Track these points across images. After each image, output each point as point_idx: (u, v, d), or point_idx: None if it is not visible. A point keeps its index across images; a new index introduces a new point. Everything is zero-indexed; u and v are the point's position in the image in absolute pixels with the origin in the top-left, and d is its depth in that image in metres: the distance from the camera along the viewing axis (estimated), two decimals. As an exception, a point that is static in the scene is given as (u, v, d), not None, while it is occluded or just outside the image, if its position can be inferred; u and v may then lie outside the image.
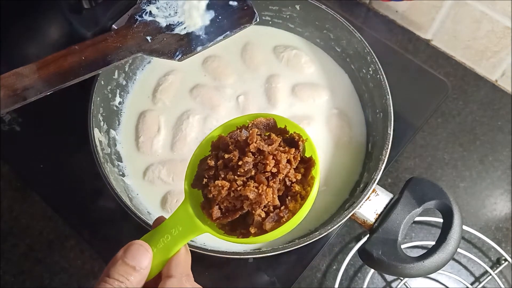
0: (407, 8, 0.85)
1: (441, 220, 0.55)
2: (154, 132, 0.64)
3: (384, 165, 0.56)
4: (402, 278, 0.66)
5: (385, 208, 0.56)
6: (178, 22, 0.46)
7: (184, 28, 0.46)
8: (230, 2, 0.48)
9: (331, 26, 0.68)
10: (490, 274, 0.66)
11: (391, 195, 0.57)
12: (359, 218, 0.56)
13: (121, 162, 0.62)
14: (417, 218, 0.57)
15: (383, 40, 0.81)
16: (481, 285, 0.66)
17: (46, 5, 0.81)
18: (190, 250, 0.51)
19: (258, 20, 0.48)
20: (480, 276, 0.68)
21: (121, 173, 0.61)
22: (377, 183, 0.55)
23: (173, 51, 0.45)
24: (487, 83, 0.83)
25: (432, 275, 0.67)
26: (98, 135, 0.58)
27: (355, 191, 0.61)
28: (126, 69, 0.66)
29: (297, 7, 0.69)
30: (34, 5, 0.81)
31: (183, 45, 0.45)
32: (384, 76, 0.61)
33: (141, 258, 0.32)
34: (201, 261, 0.63)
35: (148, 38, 0.45)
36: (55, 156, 0.69)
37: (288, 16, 0.71)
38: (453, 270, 0.67)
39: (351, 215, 0.55)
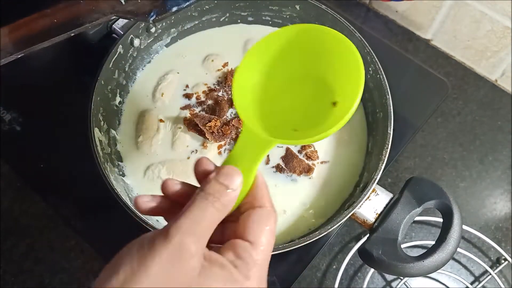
0: (407, 8, 0.85)
1: (441, 219, 0.55)
2: (154, 132, 0.64)
3: (384, 165, 0.56)
4: (402, 278, 0.66)
5: (385, 207, 0.56)
6: None
7: None
8: None
9: (331, 26, 0.67)
10: (490, 274, 0.66)
11: (391, 195, 0.57)
12: (359, 217, 0.56)
13: (121, 161, 0.62)
14: (417, 218, 0.57)
15: (383, 40, 0.81)
16: (481, 285, 0.66)
17: (46, 5, 0.81)
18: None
19: None
20: (480, 275, 0.68)
21: (121, 172, 0.61)
22: (377, 183, 0.55)
23: (147, 12, 0.45)
24: (487, 83, 0.83)
25: (432, 275, 0.67)
26: (98, 135, 0.58)
27: (355, 191, 0.61)
28: (126, 69, 0.66)
29: (297, 7, 0.69)
30: (34, 5, 0.81)
31: (157, 6, 0.45)
32: (384, 76, 0.61)
33: (233, 177, 0.32)
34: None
35: (122, 0, 0.44)
36: (55, 156, 0.69)
37: (288, 16, 0.71)
38: (453, 269, 0.67)
39: (351, 215, 0.55)
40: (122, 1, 0.44)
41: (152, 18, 0.45)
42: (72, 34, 0.42)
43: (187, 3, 0.46)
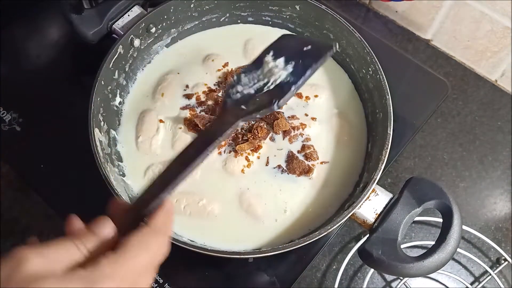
0: (407, 8, 0.85)
1: (440, 220, 0.55)
2: (153, 132, 0.64)
3: (384, 165, 0.56)
4: (401, 278, 0.66)
5: (384, 208, 0.56)
6: (264, 83, 0.48)
7: (272, 84, 0.48)
8: (305, 48, 0.49)
9: (331, 26, 0.68)
10: (490, 274, 0.66)
11: (390, 195, 0.57)
12: (359, 218, 0.56)
13: (122, 162, 0.63)
14: (417, 218, 0.57)
15: (383, 40, 0.81)
16: (481, 285, 0.66)
17: (46, 5, 0.81)
18: (190, 250, 0.51)
19: (338, 47, 0.49)
20: (480, 276, 0.68)
21: (121, 173, 0.61)
22: (377, 183, 0.55)
23: (269, 103, 0.46)
24: (486, 83, 0.83)
25: (432, 275, 0.67)
26: (98, 135, 0.58)
27: (355, 191, 0.61)
28: (126, 69, 0.66)
29: (297, 7, 0.69)
30: (34, 5, 0.81)
31: (276, 95, 0.46)
32: (384, 76, 0.61)
33: (103, 225, 0.35)
34: (201, 261, 0.64)
35: (243, 106, 0.47)
36: (55, 156, 0.69)
37: (288, 16, 0.71)
38: (453, 270, 0.67)
39: (351, 215, 0.55)
40: (244, 107, 0.46)
41: (275, 105, 0.46)
42: (209, 153, 0.42)
43: (302, 78, 0.46)
